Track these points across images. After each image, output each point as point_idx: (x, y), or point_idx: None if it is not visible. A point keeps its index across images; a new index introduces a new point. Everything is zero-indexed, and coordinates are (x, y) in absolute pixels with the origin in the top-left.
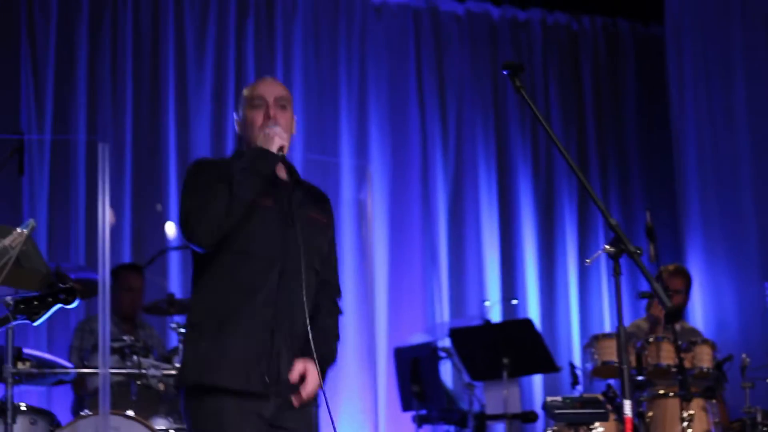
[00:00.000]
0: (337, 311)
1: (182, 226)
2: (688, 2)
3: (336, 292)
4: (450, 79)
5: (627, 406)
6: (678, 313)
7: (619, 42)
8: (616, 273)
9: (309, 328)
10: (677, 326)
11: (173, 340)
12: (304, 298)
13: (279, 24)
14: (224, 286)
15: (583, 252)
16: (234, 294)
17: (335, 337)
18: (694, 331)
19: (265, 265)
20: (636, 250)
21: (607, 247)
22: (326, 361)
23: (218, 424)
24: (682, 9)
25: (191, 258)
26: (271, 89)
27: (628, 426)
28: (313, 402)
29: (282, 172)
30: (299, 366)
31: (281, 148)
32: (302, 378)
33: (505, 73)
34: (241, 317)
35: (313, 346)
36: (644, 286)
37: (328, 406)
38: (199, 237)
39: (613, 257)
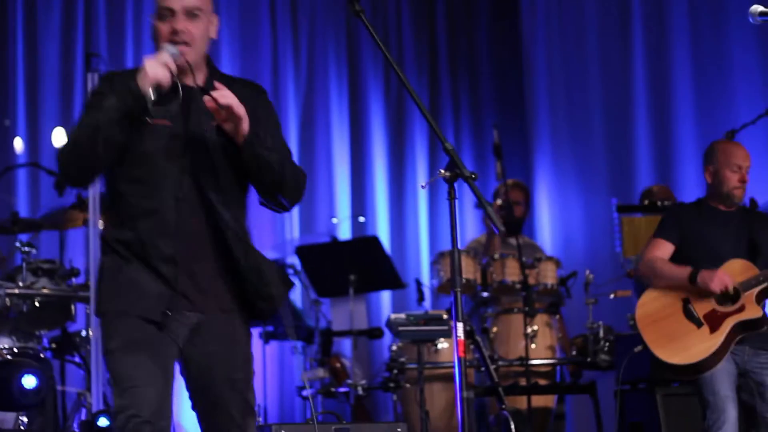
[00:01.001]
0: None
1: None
2: None
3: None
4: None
5: (459, 328)
6: (517, 225)
7: None
8: (451, 197)
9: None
10: (519, 240)
11: (18, 259)
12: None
13: None
14: (122, 216)
15: (434, 169)
16: (131, 225)
17: (284, 155)
18: (534, 246)
19: (160, 192)
20: (471, 174)
21: (442, 171)
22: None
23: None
24: None
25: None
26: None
27: (460, 348)
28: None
29: (190, 80)
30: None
31: (158, 85)
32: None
33: None
34: (140, 249)
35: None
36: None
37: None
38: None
39: (448, 181)
